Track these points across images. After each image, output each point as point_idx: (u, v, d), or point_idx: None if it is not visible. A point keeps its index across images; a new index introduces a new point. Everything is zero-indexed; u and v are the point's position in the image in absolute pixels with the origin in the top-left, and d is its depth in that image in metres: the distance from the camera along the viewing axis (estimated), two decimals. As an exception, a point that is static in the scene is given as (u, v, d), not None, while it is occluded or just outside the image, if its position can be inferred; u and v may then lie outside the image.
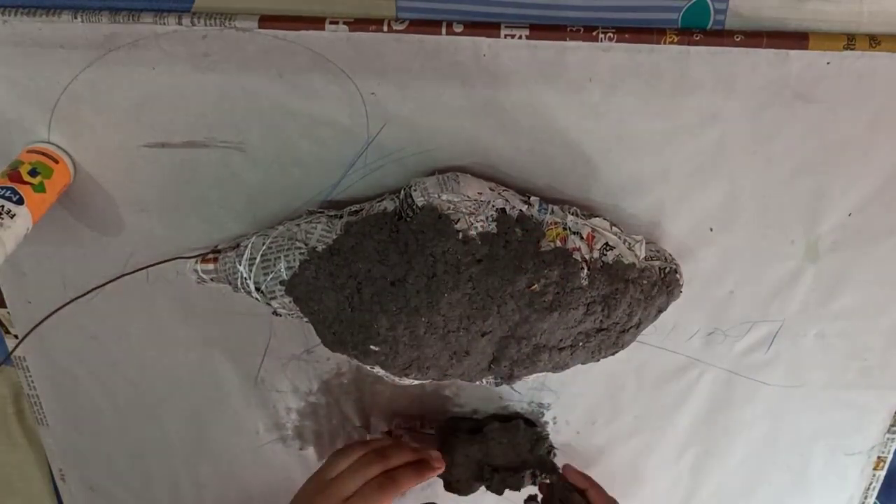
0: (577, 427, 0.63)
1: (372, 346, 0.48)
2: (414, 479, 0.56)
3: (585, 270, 0.47)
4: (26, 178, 0.47)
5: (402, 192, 0.48)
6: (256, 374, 0.62)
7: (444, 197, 0.46)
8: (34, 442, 0.68)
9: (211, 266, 0.52)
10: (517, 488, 0.61)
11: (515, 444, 0.60)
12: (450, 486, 0.62)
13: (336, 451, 0.58)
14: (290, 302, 0.50)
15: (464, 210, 0.46)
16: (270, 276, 0.49)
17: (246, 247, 0.51)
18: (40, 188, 0.47)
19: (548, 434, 0.63)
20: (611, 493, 0.66)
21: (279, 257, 0.49)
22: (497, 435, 0.60)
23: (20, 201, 0.46)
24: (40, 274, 0.57)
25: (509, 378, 0.50)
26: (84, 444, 0.67)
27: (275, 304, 0.51)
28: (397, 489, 0.54)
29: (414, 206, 0.47)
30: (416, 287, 0.46)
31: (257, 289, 0.50)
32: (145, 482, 0.70)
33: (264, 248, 0.50)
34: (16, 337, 0.60)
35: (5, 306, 0.59)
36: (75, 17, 0.45)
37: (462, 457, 0.61)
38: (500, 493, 0.62)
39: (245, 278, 0.50)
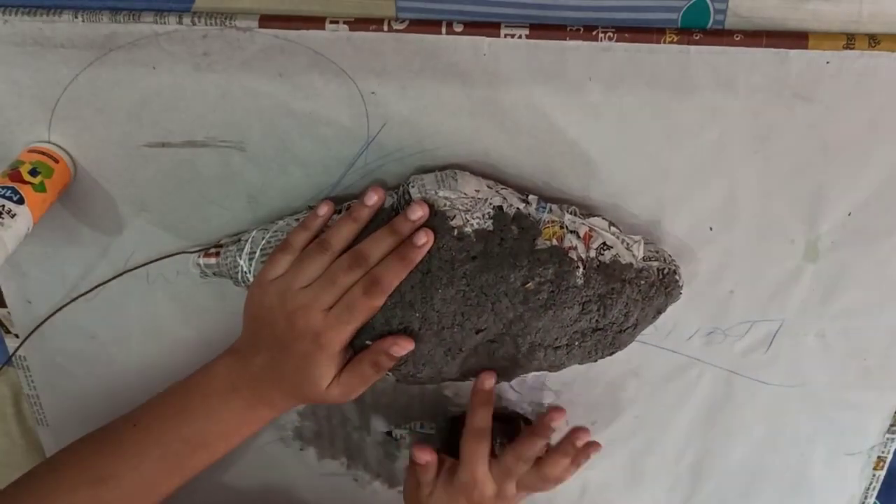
0: (577, 427, 0.63)
1: (367, 341, 0.48)
2: (401, 270, 0.46)
3: (581, 269, 0.47)
4: (27, 177, 0.47)
5: (401, 188, 0.48)
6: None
7: (441, 193, 0.47)
8: (34, 442, 0.68)
9: (213, 260, 0.53)
10: (517, 488, 0.61)
11: (515, 444, 0.60)
12: (450, 486, 0.62)
13: (281, 247, 0.48)
14: None
15: (460, 207, 0.47)
16: None
17: (246, 241, 0.51)
18: (41, 188, 0.47)
19: (548, 434, 0.63)
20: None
21: None
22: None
23: (21, 201, 0.46)
24: (40, 274, 0.57)
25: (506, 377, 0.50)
26: (84, 445, 0.67)
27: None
28: (384, 291, 0.46)
29: (410, 202, 0.47)
30: (411, 282, 0.46)
31: None
32: (145, 482, 0.69)
33: (264, 241, 0.50)
34: (16, 337, 0.60)
35: (5, 306, 0.59)
36: (76, 17, 0.45)
37: (462, 457, 0.61)
38: (499, 492, 0.62)
39: (245, 272, 0.50)
